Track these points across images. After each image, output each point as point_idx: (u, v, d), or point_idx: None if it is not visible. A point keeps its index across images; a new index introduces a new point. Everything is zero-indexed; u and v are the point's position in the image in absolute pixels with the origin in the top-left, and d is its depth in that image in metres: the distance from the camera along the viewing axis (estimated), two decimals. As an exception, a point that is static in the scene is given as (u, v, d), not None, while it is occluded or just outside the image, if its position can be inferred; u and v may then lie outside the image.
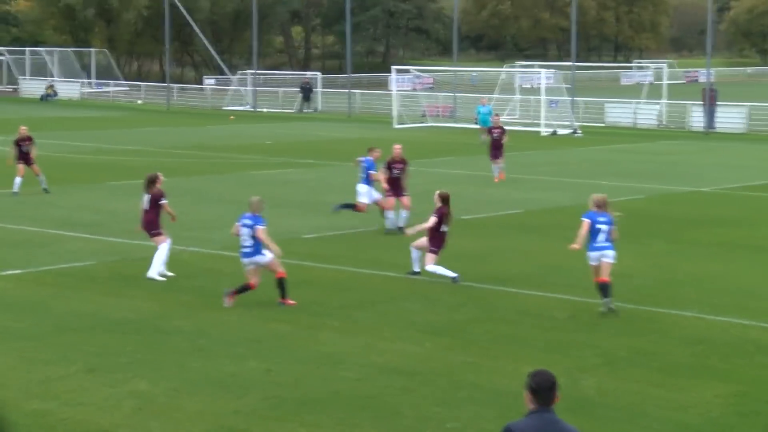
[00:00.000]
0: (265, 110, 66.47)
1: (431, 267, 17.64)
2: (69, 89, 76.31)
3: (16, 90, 79.81)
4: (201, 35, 75.01)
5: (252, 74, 69.44)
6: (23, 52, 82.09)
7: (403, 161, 23.41)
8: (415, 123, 56.31)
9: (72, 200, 26.60)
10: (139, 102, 72.04)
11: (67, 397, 11.82)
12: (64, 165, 34.38)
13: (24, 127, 28.75)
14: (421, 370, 12.93)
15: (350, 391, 12.09)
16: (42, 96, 73.50)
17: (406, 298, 16.73)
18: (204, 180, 31.37)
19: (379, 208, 23.37)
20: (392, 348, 13.93)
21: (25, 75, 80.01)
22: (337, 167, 35.56)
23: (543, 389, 6.60)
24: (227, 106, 68.81)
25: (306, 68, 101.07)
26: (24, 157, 28.00)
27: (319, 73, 76.52)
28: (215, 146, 42.15)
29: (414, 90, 68.91)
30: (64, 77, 79.53)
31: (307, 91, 66.60)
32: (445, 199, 17.92)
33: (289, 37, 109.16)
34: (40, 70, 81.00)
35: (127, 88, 78.12)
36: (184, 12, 70.20)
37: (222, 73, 79.39)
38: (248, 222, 16.04)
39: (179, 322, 15.20)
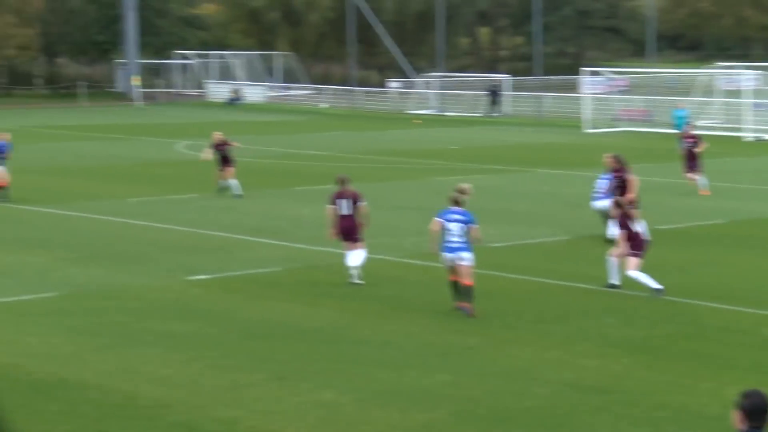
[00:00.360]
0: (450, 114, 66.70)
1: (634, 273, 17.33)
2: (254, 93, 78.35)
3: (202, 94, 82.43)
4: (385, 37, 75.81)
5: (437, 77, 69.75)
6: (210, 56, 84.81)
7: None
8: (607, 127, 55.49)
9: (259, 206, 27.28)
10: (323, 106, 73.35)
11: (255, 406, 12.10)
12: (250, 170, 35.27)
13: (218, 133, 29.96)
14: (618, 389, 12.71)
15: (542, 408, 11.98)
16: (227, 100, 75.74)
17: (602, 312, 16.48)
18: (388, 186, 31.65)
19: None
20: (587, 364, 13.75)
21: (211, 79, 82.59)
22: (525, 173, 35.36)
23: (757, 410, 6.53)
24: (412, 109, 69.33)
25: (493, 70, 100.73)
26: (224, 161, 29.00)
27: (507, 75, 76.28)
28: (399, 151, 42.50)
29: (607, 93, 67.96)
30: (250, 81, 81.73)
31: (494, 94, 66.51)
32: (619, 204, 17.83)
33: (476, 39, 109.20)
34: (225, 73, 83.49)
35: (312, 92, 79.62)
36: (369, 14, 71.12)
37: (407, 76, 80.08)
38: (460, 218, 16.05)
39: (366, 332, 15.37)
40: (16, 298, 17.13)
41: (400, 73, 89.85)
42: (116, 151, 41.31)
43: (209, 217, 25.23)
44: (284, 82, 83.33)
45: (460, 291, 16.16)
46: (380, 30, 75.03)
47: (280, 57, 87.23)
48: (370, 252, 20.83)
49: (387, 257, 20.76)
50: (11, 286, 17.95)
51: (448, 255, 16.14)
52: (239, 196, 28.54)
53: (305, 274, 19.16)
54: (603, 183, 23.14)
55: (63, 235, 23.00)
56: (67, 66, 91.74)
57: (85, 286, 18.10)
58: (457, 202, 16.29)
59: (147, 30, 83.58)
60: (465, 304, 16.10)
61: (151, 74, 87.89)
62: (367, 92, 79.08)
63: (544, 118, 62.67)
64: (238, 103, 74.89)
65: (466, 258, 16.14)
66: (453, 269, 16.16)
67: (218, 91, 79.58)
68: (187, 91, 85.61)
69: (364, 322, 15.85)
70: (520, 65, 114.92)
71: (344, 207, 18.21)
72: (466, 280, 16.06)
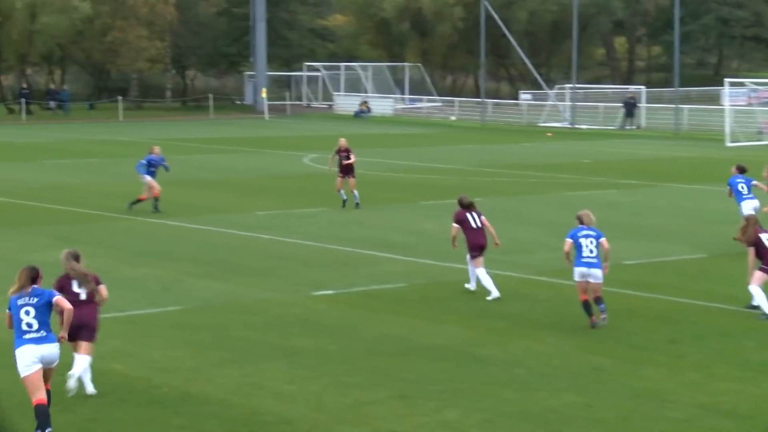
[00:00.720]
0: (584, 127, 66.08)
1: (754, 289, 16.98)
2: (382, 105, 78.81)
3: (330, 106, 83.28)
4: (517, 47, 75.48)
5: (571, 88, 69.18)
6: (338, 68, 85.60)
7: None
8: (750, 141, 54.27)
9: (385, 220, 27.42)
10: (453, 118, 73.40)
11: (378, 424, 12.14)
12: (377, 183, 35.49)
13: (343, 139, 30.71)
14: (757, 413, 12.39)
15: (676, 434, 11.75)
16: (355, 112, 76.35)
17: (742, 334, 16.11)
18: (519, 200, 31.49)
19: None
20: (724, 388, 13.44)
21: (339, 91, 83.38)
22: (661, 188, 34.81)
23: None
24: (544, 122, 68.91)
25: (629, 82, 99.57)
26: (344, 169, 29.44)
27: (643, 86, 75.25)
28: (531, 165, 42.28)
29: (750, 104, 66.48)
30: (378, 93, 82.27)
31: (630, 107, 65.67)
32: (749, 221, 17.59)
33: (612, 49, 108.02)
34: (354, 85, 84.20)
35: (441, 104, 79.79)
36: (501, 24, 70.92)
37: (539, 87, 79.58)
38: (592, 233, 16.76)
39: (493, 350, 15.30)
40: (141, 312, 17.52)
41: (532, 85, 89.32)
42: (243, 163, 41.97)
43: (335, 231, 25.43)
44: (413, 94, 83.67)
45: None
46: (512, 40, 74.62)
47: (408, 68, 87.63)
48: (498, 268, 20.73)
49: (515, 274, 20.64)
50: (136, 300, 18.37)
51: (584, 269, 16.66)
52: (357, 206, 28.96)
53: (430, 290, 19.17)
54: (740, 183, 23.75)
55: (189, 248, 23.44)
56: (197, 78, 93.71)
57: (209, 300, 18.42)
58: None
59: (276, 42, 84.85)
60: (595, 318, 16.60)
61: (280, 86, 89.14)
62: (498, 104, 78.80)
63: (683, 131, 61.61)
64: (365, 116, 75.44)
65: (596, 275, 16.69)
66: (584, 285, 16.66)
67: (346, 103, 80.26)
68: (316, 103, 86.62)
69: (491, 340, 15.78)
70: (658, 76, 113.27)
71: (474, 220, 18.84)
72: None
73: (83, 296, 12.90)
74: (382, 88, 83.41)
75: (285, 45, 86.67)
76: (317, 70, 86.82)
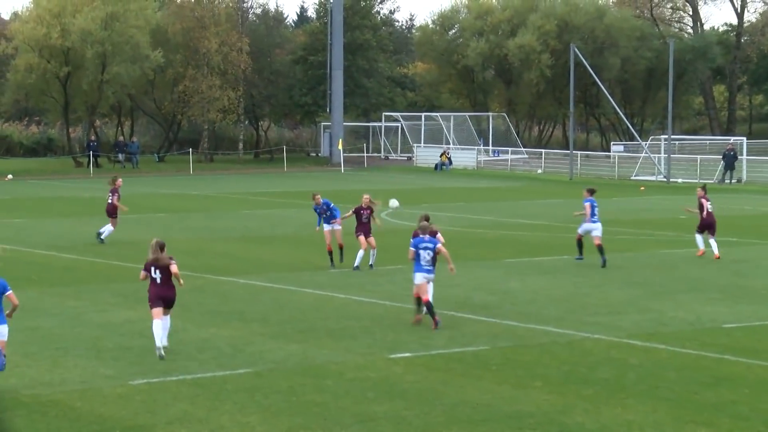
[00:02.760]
0: (680, 181, 65.60)
1: None
2: (464, 157, 78.94)
3: (410, 158, 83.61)
4: (609, 96, 75.29)
5: (666, 140, 68.76)
6: (419, 118, 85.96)
7: None
8: None
9: (467, 278, 27.40)
10: (539, 171, 73.28)
11: (457, 495, 12.06)
12: (460, 239, 35.52)
13: (367, 196, 29.88)
14: None
15: None
16: (436, 165, 76.51)
17: None
18: (609, 258, 31.28)
19: None
20: (832, 463, 13.17)
21: (419, 142, 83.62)
22: (765, 247, 34.37)
23: None
24: (637, 175, 68.53)
25: (729, 132, 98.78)
26: (363, 228, 29.13)
27: (744, 138, 74.58)
28: (623, 220, 42.01)
29: None
30: (460, 144, 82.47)
31: (730, 159, 65.08)
32: None
33: (710, 98, 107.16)
34: (435, 136, 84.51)
35: (526, 156, 79.73)
36: (591, 71, 70.85)
37: (632, 138, 79.29)
38: (429, 245, 21.58)
39: (582, 418, 15.17)
40: (209, 374, 17.66)
41: (625, 136, 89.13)
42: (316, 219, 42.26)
43: (412, 289, 25.48)
44: (497, 145, 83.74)
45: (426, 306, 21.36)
46: (603, 89, 74.45)
47: (492, 118, 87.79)
48: (586, 330, 20.60)
49: (605, 336, 20.49)
50: (205, 361, 18.52)
51: (430, 276, 21.63)
52: (372, 266, 28.88)
53: (514, 353, 19.09)
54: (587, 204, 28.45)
55: (260, 307, 23.61)
56: (270, 129, 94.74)
57: (281, 362, 18.51)
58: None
59: (353, 91, 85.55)
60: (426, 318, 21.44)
61: (357, 137, 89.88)
62: (588, 156, 78.55)
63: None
64: (447, 169, 75.59)
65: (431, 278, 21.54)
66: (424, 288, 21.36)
67: (427, 155, 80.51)
68: (394, 155, 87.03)
69: (579, 407, 15.65)
70: (760, 126, 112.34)
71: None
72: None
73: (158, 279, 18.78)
74: (464, 139, 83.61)
75: (363, 94, 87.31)
76: (396, 120, 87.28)
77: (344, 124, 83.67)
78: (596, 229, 30.36)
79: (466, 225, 40.02)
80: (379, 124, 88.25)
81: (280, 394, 16.42)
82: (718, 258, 30.80)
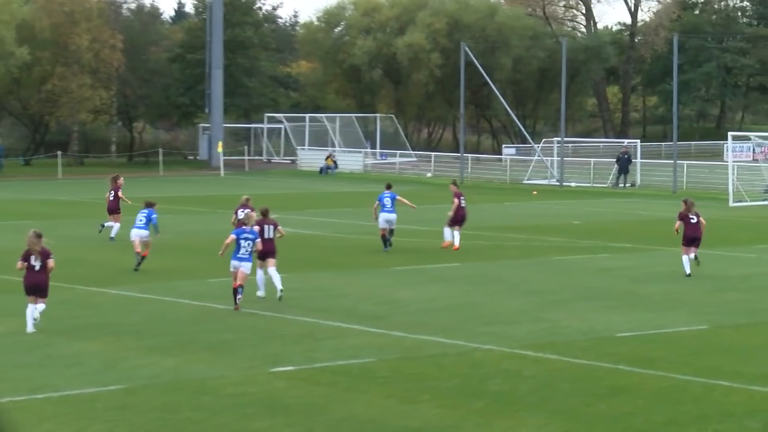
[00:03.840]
0: (573, 184, 66.49)
1: None
2: (351, 160, 79.03)
3: (294, 161, 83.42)
4: (501, 97, 76.06)
5: (559, 142, 69.69)
6: (303, 119, 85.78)
7: None
8: (757, 200, 54.69)
9: (356, 287, 27.38)
10: (429, 175, 73.66)
11: None
12: (347, 246, 35.50)
13: (246, 196, 31.49)
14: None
15: None
16: (321, 168, 76.46)
17: (746, 415, 16.07)
18: (502, 266, 31.52)
19: None
20: (728, 475, 13.38)
21: (304, 145, 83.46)
22: (660, 252, 34.95)
23: None
24: (529, 179, 69.32)
25: (623, 135, 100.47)
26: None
27: (638, 140, 75.97)
28: (514, 226, 42.42)
29: (755, 161, 67.09)
30: (346, 146, 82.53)
31: (624, 162, 66.15)
32: None
33: (604, 99, 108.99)
34: (320, 138, 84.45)
35: (415, 159, 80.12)
36: (482, 71, 71.47)
37: (524, 141, 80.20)
38: (250, 236, 24.09)
39: (471, 433, 15.21)
40: (78, 391, 17.33)
41: (517, 138, 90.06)
42: (195, 225, 41.91)
43: (297, 300, 25.37)
44: (385, 148, 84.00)
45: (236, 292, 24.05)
46: (495, 89, 75.14)
47: (380, 120, 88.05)
48: (478, 341, 20.73)
49: (496, 347, 20.60)
50: (73, 378, 18.18)
51: (238, 264, 24.13)
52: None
53: (402, 366, 19.09)
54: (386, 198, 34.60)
55: (134, 319, 23.28)
56: (145, 131, 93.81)
57: (155, 378, 18.26)
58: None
59: (234, 91, 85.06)
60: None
61: (238, 139, 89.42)
62: (479, 159, 79.21)
63: (681, 189, 62.07)
64: (332, 173, 75.59)
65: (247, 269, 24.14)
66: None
67: (311, 158, 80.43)
68: (277, 158, 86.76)
69: (470, 422, 15.69)
70: (654, 129, 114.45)
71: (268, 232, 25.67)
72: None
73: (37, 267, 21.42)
74: (351, 142, 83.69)
75: (244, 94, 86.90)
76: (279, 121, 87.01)
77: (224, 125, 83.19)
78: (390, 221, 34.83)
79: (353, 231, 40.02)
80: (262, 125, 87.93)
81: (153, 412, 16.17)
82: (457, 249, 34.21)
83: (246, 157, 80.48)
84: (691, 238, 29.75)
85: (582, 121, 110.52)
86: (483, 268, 30.85)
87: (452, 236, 34.93)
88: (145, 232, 30.69)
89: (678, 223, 30.11)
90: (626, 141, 76.17)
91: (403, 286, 27.70)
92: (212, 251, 32.88)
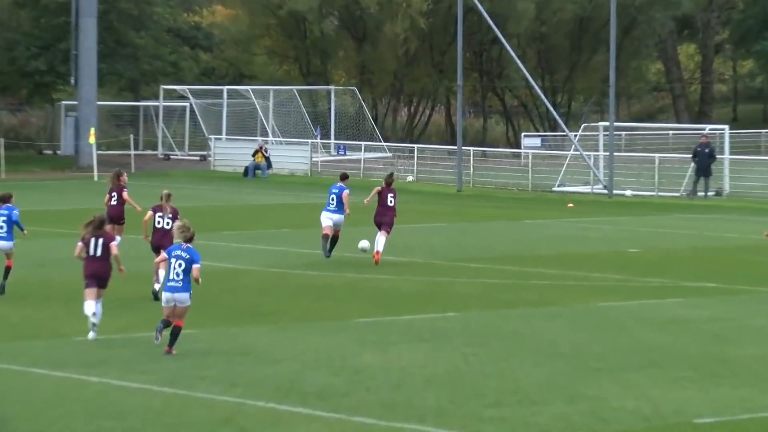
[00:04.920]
0: (628, 193, 66.55)
1: None
2: (291, 156, 78.89)
3: (204, 158, 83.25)
4: (518, 62, 75.86)
5: (606, 130, 69.72)
6: (219, 94, 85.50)
7: None
8: None
9: (300, 348, 27.50)
10: (410, 179, 73.54)
11: None
12: (285, 287, 35.54)
13: (167, 191, 33.75)
14: None
15: None
16: (246, 169, 76.20)
17: None
18: (519, 315, 31.60)
19: None
20: None
21: (220, 133, 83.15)
22: (758, 296, 35.13)
23: None
24: (561, 185, 69.35)
25: (703, 118, 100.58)
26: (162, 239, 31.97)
27: (726, 126, 76.03)
28: (539, 256, 42.63)
29: None
30: (284, 135, 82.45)
31: (705, 159, 66.12)
32: None
33: (674, 65, 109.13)
34: (244, 123, 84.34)
35: (389, 155, 79.98)
36: (490, 21, 71.47)
37: (553, 127, 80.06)
38: (184, 255, 26.36)
39: None
40: None
41: (543, 123, 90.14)
42: (53, 254, 41.77)
43: (213, 369, 25.44)
44: (344, 138, 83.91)
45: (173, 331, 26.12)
46: (509, 49, 75.07)
47: (336, 95, 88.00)
48: (481, 430, 20.80)
49: (513, 440, 20.68)
50: None
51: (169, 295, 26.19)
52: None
53: None
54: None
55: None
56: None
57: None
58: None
59: (114, 51, 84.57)
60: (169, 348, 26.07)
61: (120, 125, 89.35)
62: (486, 155, 79.16)
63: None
64: (264, 175, 75.49)
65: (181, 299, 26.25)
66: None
67: (231, 152, 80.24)
68: (180, 153, 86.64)
69: None
70: (749, 109, 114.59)
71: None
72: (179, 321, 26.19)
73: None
74: (291, 128, 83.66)
75: (128, 56, 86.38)
76: (183, 97, 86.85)
77: (99, 103, 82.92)
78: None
79: (294, 265, 40.02)
80: (156, 103, 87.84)
81: None
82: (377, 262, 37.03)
83: (132, 152, 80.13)
84: None
85: (641, 97, 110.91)
86: (490, 320, 30.86)
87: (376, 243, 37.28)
88: (9, 244, 32.76)
89: None
90: (708, 127, 76.21)
91: (369, 346, 27.68)
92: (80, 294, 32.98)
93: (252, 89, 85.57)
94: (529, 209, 59.60)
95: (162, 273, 29.61)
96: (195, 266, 26.17)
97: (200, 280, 26.36)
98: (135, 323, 29.58)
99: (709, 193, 65.64)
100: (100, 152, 75.80)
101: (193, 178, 75.48)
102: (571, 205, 61.68)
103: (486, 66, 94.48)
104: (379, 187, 40.44)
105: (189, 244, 26.49)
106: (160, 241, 32.08)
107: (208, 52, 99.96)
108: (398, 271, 39.11)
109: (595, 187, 68.22)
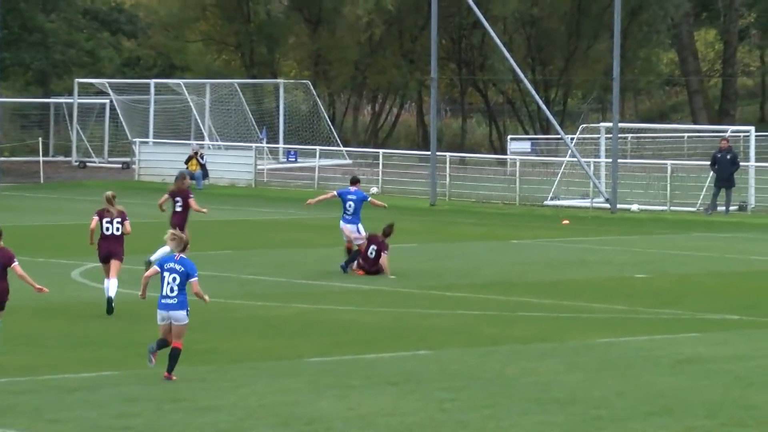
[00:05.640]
0: (634, 207, 66.95)
1: None
2: (232, 163, 78.95)
3: (127, 165, 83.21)
4: (504, 50, 76.03)
5: (610, 131, 69.98)
6: (145, 89, 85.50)
7: None
8: None
9: (241, 394, 27.60)
10: (375, 190, 73.64)
11: None
12: (224, 319, 35.65)
13: (111, 192, 35.47)
14: None
15: None
16: (177, 178, 76.13)
17: None
18: (505, 354, 31.76)
19: None
20: None
21: (146, 135, 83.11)
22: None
23: None
24: (554, 197, 69.55)
25: (725, 117, 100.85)
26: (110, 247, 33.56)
27: (752, 128, 76.34)
28: (528, 283, 42.84)
29: None
30: (223, 138, 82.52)
31: (726, 167, 66.39)
32: None
33: (690, 54, 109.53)
34: (175, 123, 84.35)
35: (350, 161, 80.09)
36: (470, 1, 71.75)
37: (545, 129, 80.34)
38: (178, 268, 27.53)
39: None
40: None
41: (533, 123, 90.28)
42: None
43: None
44: (295, 141, 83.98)
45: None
46: (492, 34, 75.26)
47: (286, 89, 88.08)
48: None
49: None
50: None
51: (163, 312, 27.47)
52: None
53: None
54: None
55: None
56: None
57: None
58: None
59: (19, 38, 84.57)
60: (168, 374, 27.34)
61: (26, 126, 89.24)
62: (466, 162, 79.31)
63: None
64: (199, 186, 75.54)
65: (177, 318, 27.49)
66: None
67: (159, 158, 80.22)
68: (98, 159, 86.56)
69: None
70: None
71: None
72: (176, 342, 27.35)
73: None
74: (232, 130, 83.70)
75: (35, 44, 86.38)
76: (102, 93, 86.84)
77: (2, 100, 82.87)
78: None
79: (235, 294, 40.11)
80: (69, 100, 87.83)
81: None
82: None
83: (41, 158, 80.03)
84: None
85: (651, 93, 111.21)
86: (471, 359, 31.00)
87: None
88: None
89: None
90: (730, 129, 76.43)
91: (326, 391, 27.79)
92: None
93: (185, 83, 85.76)
94: (516, 227, 59.83)
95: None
96: (192, 281, 27.59)
97: (206, 297, 28.20)
98: (44, 363, 29.63)
99: (732, 208, 65.84)
100: (2, 159, 75.70)
101: (114, 189, 75.24)
102: (566, 221, 61.90)
103: (466, 55, 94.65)
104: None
105: (183, 254, 27.76)
106: (109, 249, 34.86)
107: (131, 39, 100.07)
108: (361, 300, 39.24)
109: (595, 200, 68.43)
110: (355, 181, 45.72)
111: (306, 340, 33.46)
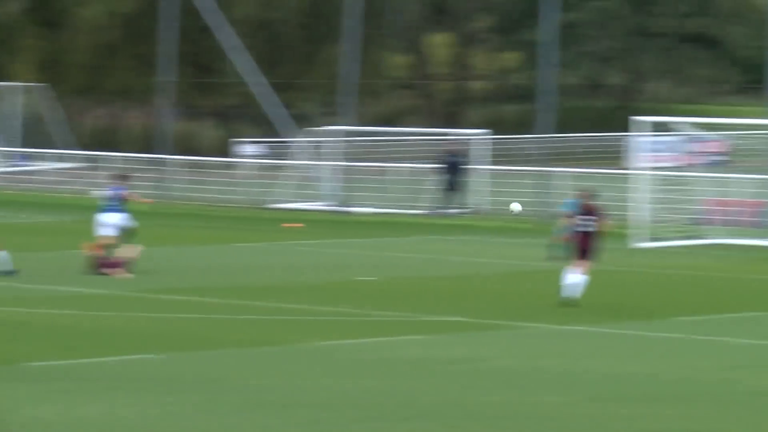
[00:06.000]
0: (363, 211, 67.10)
1: None
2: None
3: None
4: (236, 53, 76.04)
5: (339, 134, 70.28)
6: None
7: None
8: (680, 237, 56.06)
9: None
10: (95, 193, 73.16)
11: None
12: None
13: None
14: None
15: None
16: None
17: None
18: (202, 358, 31.46)
19: None
20: None
21: None
22: (511, 332, 35.34)
23: None
24: (278, 201, 69.65)
25: (455, 121, 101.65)
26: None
27: (480, 131, 76.76)
28: (254, 289, 42.80)
29: (681, 165, 68.71)
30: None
31: (455, 169, 66.93)
32: None
33: (423, 56, 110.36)
34: None
35: (85, 164, 79.53)
36: (209, 12, 71.53)
37: (278, 132, 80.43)
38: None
39: None
40: None
41: (265, 127, 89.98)
42: None
43: None
44: (30, 145, 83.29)
45: None
46: (219, 40, 75.30)
47: (22, 94, 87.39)
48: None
49: None
50: None
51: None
52: None
53: None
54: None
55: None
56: None
57: None
58: None
59: None
60: None
61: None
62: (194, 164, 79.03)
63: (553, 215, 63.06)
64: None
65: None
66: None
67: None
68: None
69: None
70: (511, 110, 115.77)
71: None
72: None
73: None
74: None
75: None
76: None
77: None
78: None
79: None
80: None
81: None
82: None
83: None
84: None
85: (382, 95, 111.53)
86: (190, 364, 30.84)
87: None
88: None
89: None
90: (459, 132, 76.81)
91: (42, 396, 27.25)
92: None
93: None
94: (240, 230, 59.89)
95: None
96: None
97: None
98: None
99: (461, 210, 66.13)
100: None
101: None
102: (288, 225, 61.72)
103: (202, 59, 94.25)
104: None
105: None
106: None
107: None
108: (76, 303, 38.71)
109: (322, 203, 68.51)
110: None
111: (19, 345, 32.83)
